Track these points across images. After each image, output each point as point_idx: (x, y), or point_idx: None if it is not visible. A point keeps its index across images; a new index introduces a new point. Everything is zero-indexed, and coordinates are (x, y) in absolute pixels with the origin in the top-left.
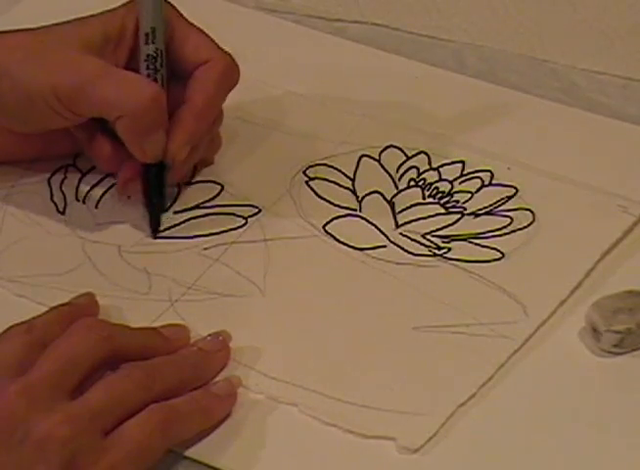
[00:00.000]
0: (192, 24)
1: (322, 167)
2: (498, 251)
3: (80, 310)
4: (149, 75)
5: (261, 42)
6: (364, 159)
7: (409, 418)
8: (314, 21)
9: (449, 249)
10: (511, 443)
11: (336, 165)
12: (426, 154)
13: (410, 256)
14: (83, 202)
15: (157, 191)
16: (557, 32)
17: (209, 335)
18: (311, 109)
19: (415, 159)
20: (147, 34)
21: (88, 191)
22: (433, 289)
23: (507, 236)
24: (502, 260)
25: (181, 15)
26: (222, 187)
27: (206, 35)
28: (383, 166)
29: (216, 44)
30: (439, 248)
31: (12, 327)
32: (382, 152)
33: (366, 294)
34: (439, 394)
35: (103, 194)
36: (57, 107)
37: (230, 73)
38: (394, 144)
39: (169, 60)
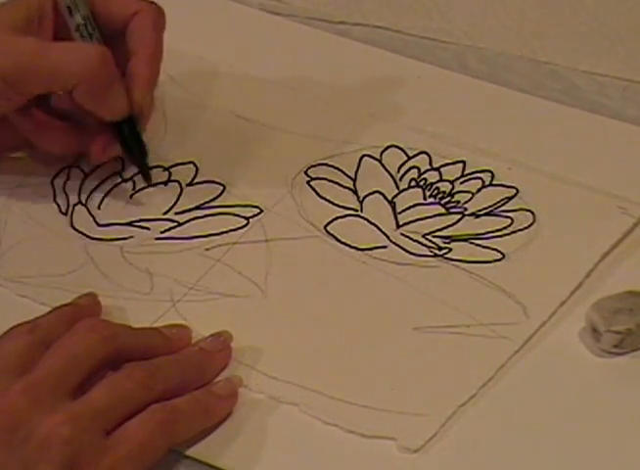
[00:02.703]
0: None
1: (324, 167)
2: (499, 251)
3: (83, 311)
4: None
5: (264, 42)
6: (365, 158)
7: (409, 418)
8: (317, 23)
9: (450, 249)
10: (511, 443)
11: (337, 165)
12: (427, 154)
13: (411, 256)
14: (86, 203)
15: (136, 144)
16: (558, 34)
17: (211, 335)
18: (313, 108)
19: (416, 159)
20: (69, 7)
21: (91, 192)
22: (433, 289)
23: (507, 237)
24: (502, 261)
25: None
26: (224, 188)
27: None
28: (384, 166)
29: None
30: (440, 248)
31: (15, 327)
32: (383, 152)
33: (367, 294)
34: (440, 394)
35: (105, 195)
36: (1, 89)
37: (161, 17)
38: (396, 144)
39: (97, 24)
